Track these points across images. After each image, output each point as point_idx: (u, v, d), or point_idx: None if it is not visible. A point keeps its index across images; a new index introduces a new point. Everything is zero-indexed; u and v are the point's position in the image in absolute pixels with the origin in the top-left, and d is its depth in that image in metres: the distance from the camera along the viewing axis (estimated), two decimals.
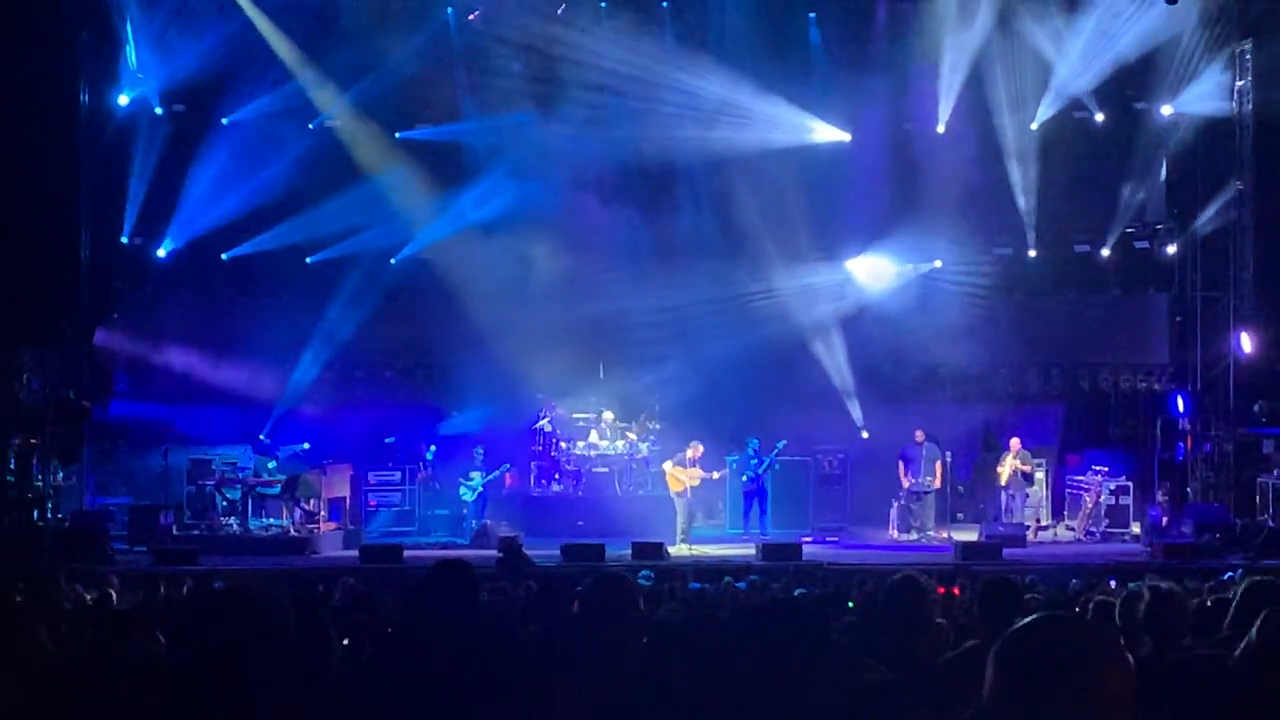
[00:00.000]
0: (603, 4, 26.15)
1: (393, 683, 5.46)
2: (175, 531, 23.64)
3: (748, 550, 22.29)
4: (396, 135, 26.46)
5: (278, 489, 23.96)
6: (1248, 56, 24.83)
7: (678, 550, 22.52)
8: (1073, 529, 24.93)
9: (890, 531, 24.81)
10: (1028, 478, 24.79)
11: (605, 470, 25.56)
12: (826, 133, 26.32)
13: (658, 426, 25.71)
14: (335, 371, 26.49)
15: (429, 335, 26.85)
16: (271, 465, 24.25)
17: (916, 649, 6.53)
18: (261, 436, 24.83)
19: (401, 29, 25.40)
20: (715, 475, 24.40)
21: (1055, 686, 3.03)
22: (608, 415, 25.98)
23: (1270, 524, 22.73)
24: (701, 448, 23.96)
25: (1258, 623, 5.02)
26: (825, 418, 26.30)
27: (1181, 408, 26.29)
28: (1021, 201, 26.61)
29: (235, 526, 24.00)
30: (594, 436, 25.90)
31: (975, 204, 26.69)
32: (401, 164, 26.38)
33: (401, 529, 24.79)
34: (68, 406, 24.03)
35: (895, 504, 24.87)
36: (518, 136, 26.22)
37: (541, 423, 25.68)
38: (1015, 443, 24.74)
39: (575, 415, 26.24)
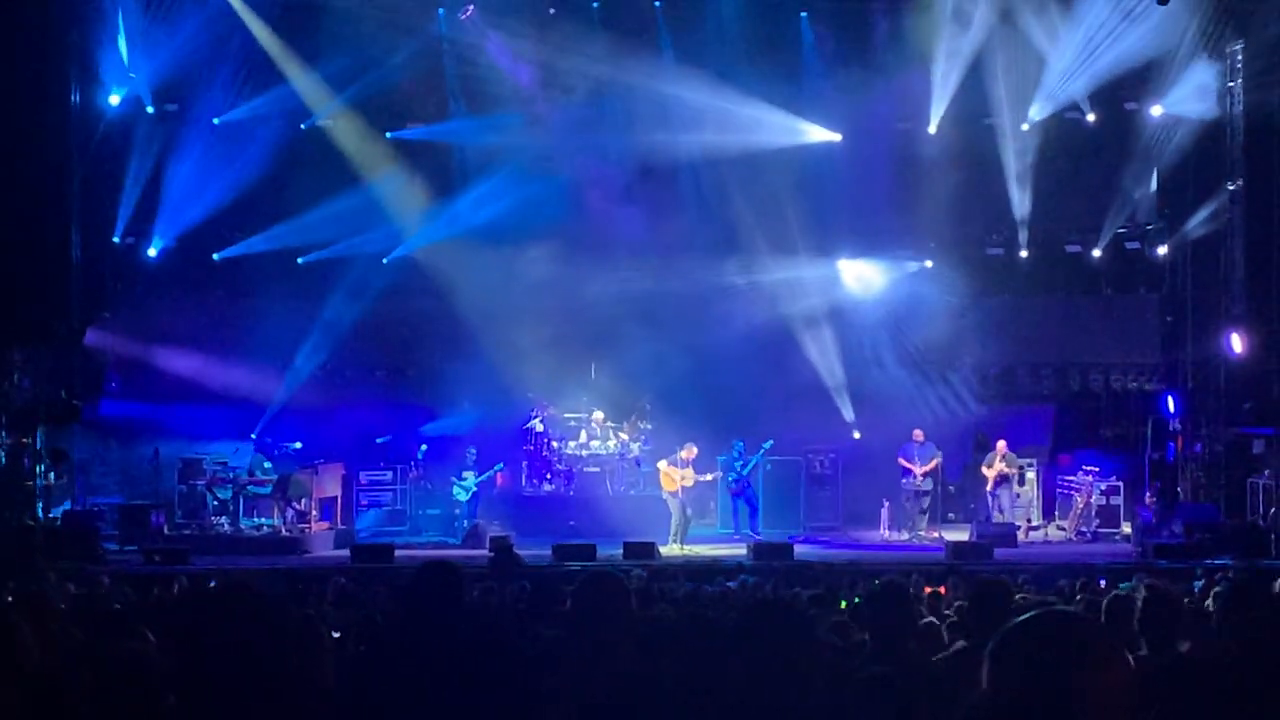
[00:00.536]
0: (595, 4, 26.17)
1: (384, 682, 5.46)
2: (166, 531, 23.59)
3: (739, 550, 22.29)
4: (387, 135, 26.47)
5: (269, 488, 23.93)
6: (1238, 57, 24.85)
7: (669, 550, 22.52)
8: (1064, 529, 24.96)
9: (882, 531, 24.83)
10: (1009, 480, 24.75)
11: (597, 470, 25.56)
12: (818, 133, 26.33)
13: (649, 426, 25.71)
14: (327, 371, 26.48)
15: (421, 335, 26.87)
16: (267, 465, 24.20)
17: (907, 650, 6.53)
18: (253, 436, 24.80)
19: (393, 29, 25.35)
20: (709, 478, 24.41)
21: (1052, 685, 3.01)
22: (598, 415, 25.98)
23: (1261, 524, 22.76)
24: (696, 449, 23.93)
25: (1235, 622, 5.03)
26: (817, 418, 26.31)
27: (1172, 408, 26.33)
28: (1013, 202, 26.65)
29: (226, 526, 23.98)
30: (585, 436, 25.90)
31: (967, 204, 26.73)
32: (393, 165, 26.39)
33: (393, 529, 24.79)
34: (59, 406, 23.99)
35: (886, 504, 24.89)
36: (509, 137, 26.24)
37: (533, 422, 25.67)
38: (1001, 445, 24.75)
39: (566, 415, 26.25)
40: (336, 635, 8.55)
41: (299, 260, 26.34)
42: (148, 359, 26.36)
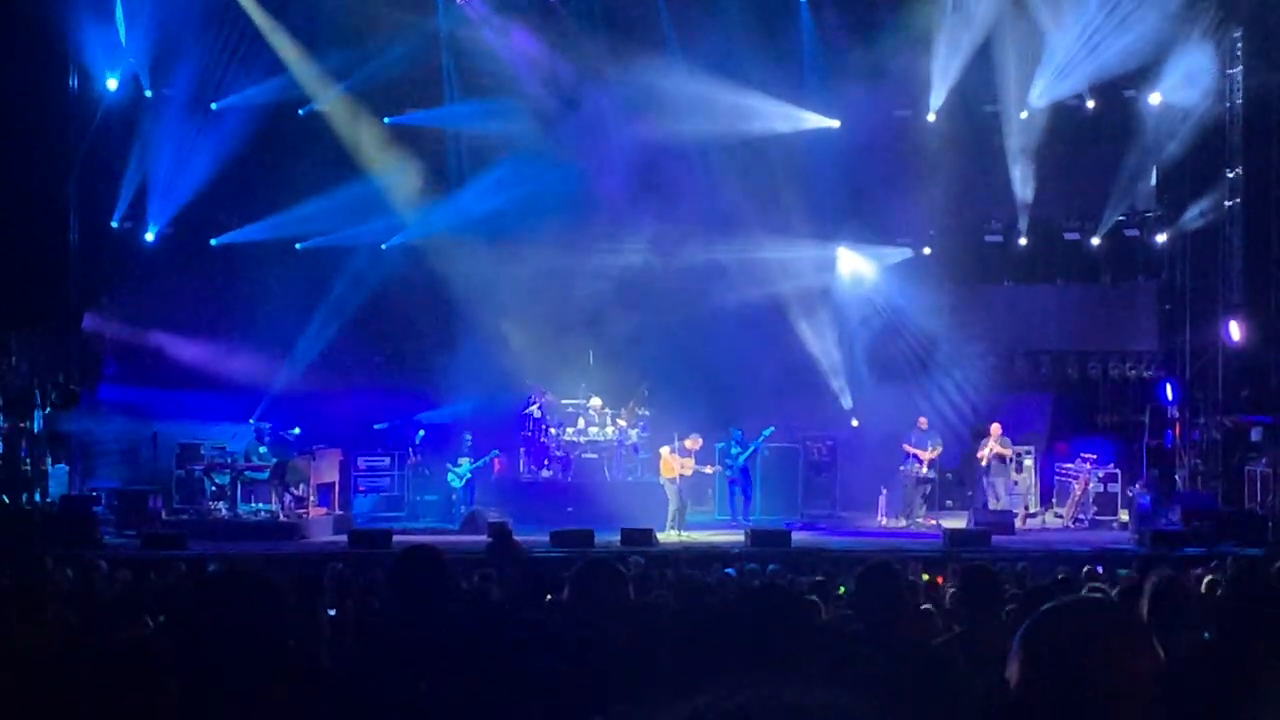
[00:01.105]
0: None
1: (379, 667, 5.46)
2: (164, 516, 23.60)
3: (737, 537, 22.30)
4: (385, 120, 26.43)
5: (267, 474, 23.92)
6: (1238, 46, 24.83)
7: (667, 536, 22.53)
8: (1061, 516, 24.99)
9: (879, 518, 24.86)
10: (1005, 461, 24.78)
11: (594, 456, 25.57)
12: (816, 120, 26.29)
13: (647, 413, 25.71)
14: (325, 357, 26.41)
15: (419, 321, 26.85)
16: (265, 450, 24.15)
17: (904, 634, 6.53)
18: (252, 421, 24.79)
19: (392, 14, 25.30)
20: (708, 470, 24.45)
21: (1085, 672, 2.98)
22: (596, 401, 25.97)
23: (1259, 511, 22.78)
24: (701, 440, 23.94)
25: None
26: (815, 406, 26.35)
27: (1170, 395, 26.35)
28: (1012, 189, 26.62)
29: (224, 511, 23.94)
30: (583, 423, 25.90)
31: (966, 191, 26.72)
32: (391, 152, 26.37)
33: (391, 514, 24.81)
34: (56, 390, 24.00)
35: (884, 491, 24.92)
36: (507, 123, 26.19)
37: (531, 409, 25.65)
38: (995, 428, 24.79)
39: (564, 401, 26.24)
40: (332, 613, 8.57)
41: (297, 246, 26.33)
42: (145, 344, 26.36)
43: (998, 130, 26.40)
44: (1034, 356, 28.15)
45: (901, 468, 24.75)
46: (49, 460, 23.92)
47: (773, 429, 24.58)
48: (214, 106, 26.04)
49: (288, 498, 23.77)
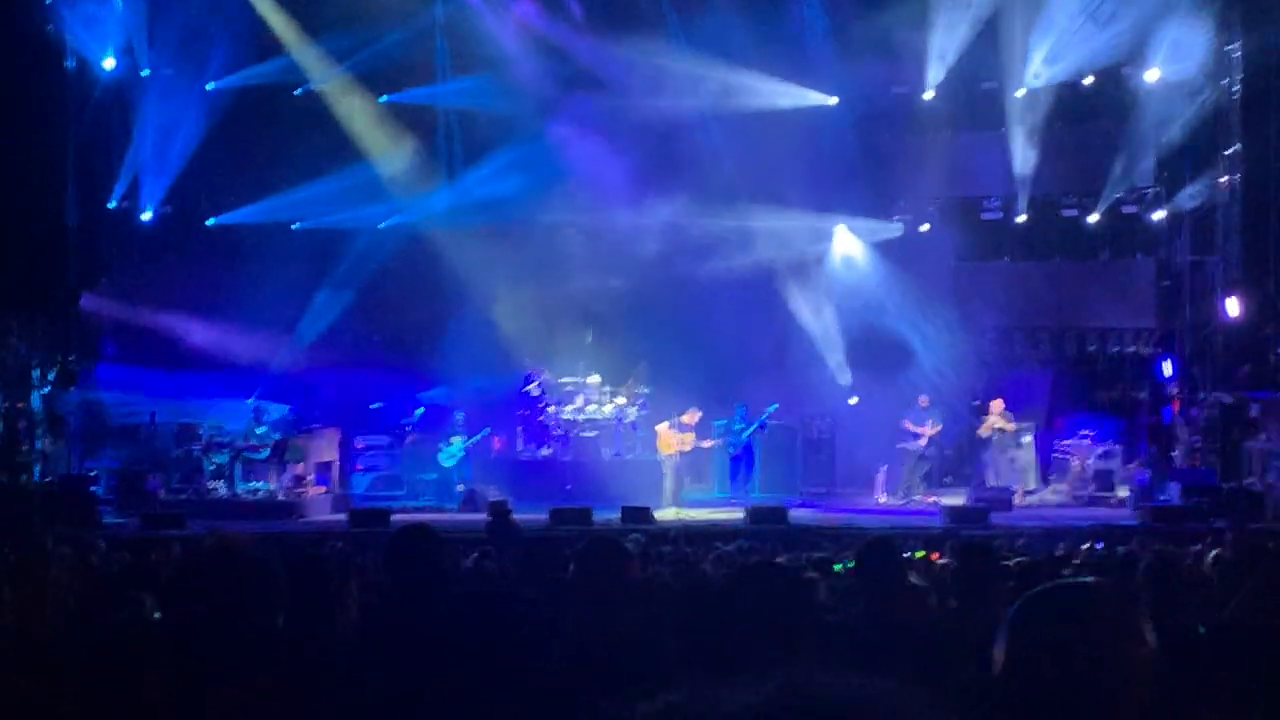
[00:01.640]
0: None
1: (382, 645, 5.47)
2: (163, 495, 23.62)
3: (735, 514, 22.32)
4: (381, 99, 26.37)
5: (265, 453, 23.93)
6: (1237, 22, 24.76)
7: (665, 514, 22.56)
8: (1060, 493, 25.01)
9: (878, 495, 24.89)
10: (1007, 435, 24.80)
11: (593, 434, 25.57)
12: (814, 96, 26.24)
13: (646, 390, 25.71)
14: (324, 336, 26.44)
15: (417, 300, 26.82)
16: (263, 430, 24.15)
17: (901, 610, 6.54)
18: (250, 400, 24.79)
19: None
20: (707, 444, 24.47)
21: (1074, 657, 2.96)
22: (594, 379, 25.97)
23: (1257, 487, 22.80)
24: (699, 414, 23.96)
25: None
26: (813, 383, 26.36)
27: (1169, 372, 26.37)
28: (1011, 166, 26.59)
29: (223, 491, 23.96)
30: (581, 401, 25.90)
31: (964, 168, 26.71)
32: (388, 132, 26.34)
33: (390, 494, 24.83)
34: (55, 370, 24.00)
35: (883, 468, 24.94)
36: (503, 102, 26.14)
37: (529, 387, 25.66)
38: (997, 403, 24.80)
39: (563, 380, 26.24)
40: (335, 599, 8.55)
41: (294, 226, 26.32)
42: (143, 324, 26.35)
43: (996, 107, 26.37)
44: (1032, 333, 28.16)
45: (900, 445, 24.77)
46: (48, 440, 23.92)
47: (776, 405, 24.60)
48: (210, 87, 25.99)
49: (286, 477, 23.79)
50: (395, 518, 21.00)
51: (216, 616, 3.89)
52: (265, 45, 25.78)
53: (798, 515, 21.89)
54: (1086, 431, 25.18)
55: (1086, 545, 15.41)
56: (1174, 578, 7.01)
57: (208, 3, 25.34)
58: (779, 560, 11.99)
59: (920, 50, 26.08)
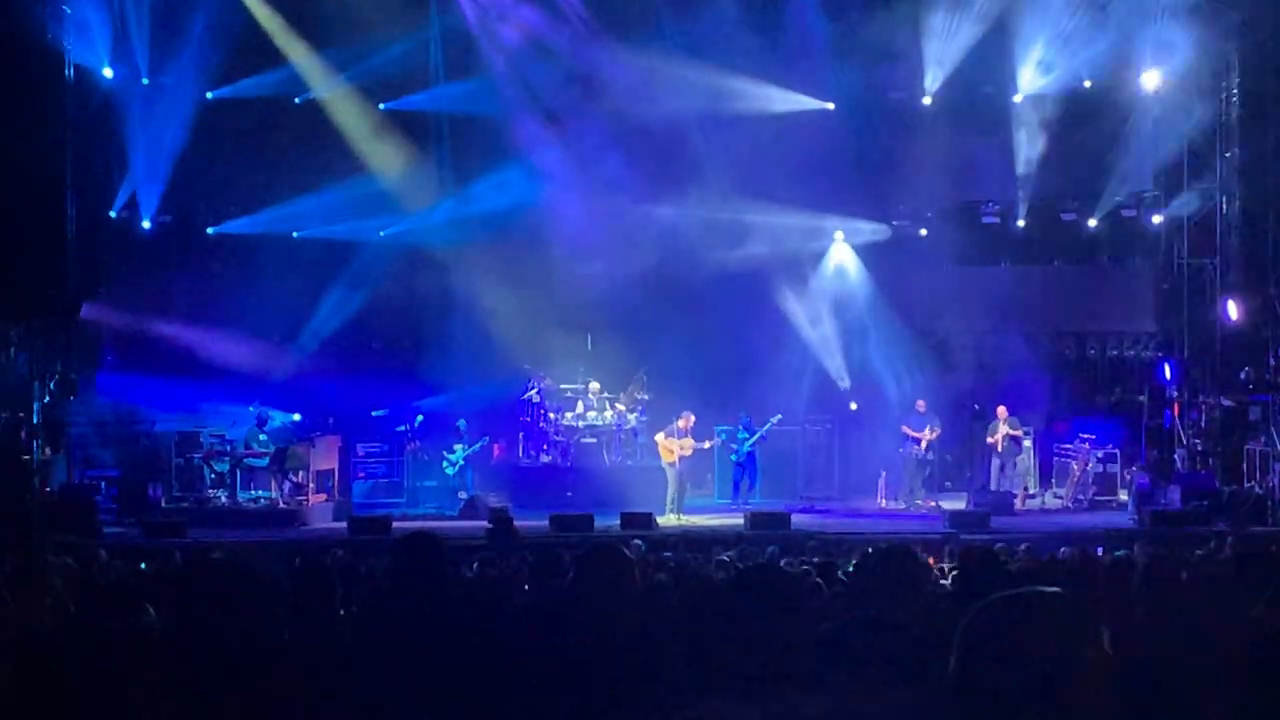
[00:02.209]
0: None
1: (381, 653, 5.47)
2: (163, 504, 23.61)
3: (736, 520, 22.31)
4: (380, 107, 26.37)
5: (266, 461, 23.92)
6: (1236, 25, 24.74)
7: (666, 520, 22.56)
8: (1060, 497, 25.01)
9: (879, 500, 24.90)
10: (1017, 442, 24.85)
11: (593, 441, 25.57)
12: (811, 102, 26.21)
13: (646, 397, 25.70)
14: (324, 344, 26.42)
15: (418, 307, 26.84)
16: (264, 438, 24.12)
17: (910, 612, 6.53)
18: (251, 408, 24.75)
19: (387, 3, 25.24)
20: (707, 445, 24.46)
21: (1021, 665, 2.97)
22: (594, 386, 25.97)
23: (1257, 490, 22.80)
24: (693, 418, 23.94)
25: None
26: (813, 389, 26.36)
27: (1169, 375, 26.36)
28: (1010, 170, 26.59)
29: (224, 499, 23.96)
30: (581, 407, 25.89)
31: (963, 172, 26.68)
32: (387, 140, 26.34)
33: (390, 501, 24.81)
34: (55, 380, 23.98)
35: (884, 473, 24.95)
36: (500, 107, 26.13)
37: (529, 394, 25.66)
38: (1002, 410, 24.79)
39: (563, 386, 26.25)
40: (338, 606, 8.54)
41: (295, 234, 26.33)
42: (144, 332, 26.32)
43: (995, 111, 26.36)
44: (1032, 337, 28.11)
45: (900, 450, 24.77)
46: (48, 450, 23.89)
47: (780, 416, 24.63)
48: (210, 96, 25.98)
49: (287, 485, 23.77)
50: (396, 525, 20.99)
51: (219, 626, 3.90)
52: (264, 54, 25.75)
53: (799, 520, 21.88)
54: (1087, 435, 25.18)
55: (1082, 549, 15.40)
56: (1174, 581, 7.01)
57: (207, 12, 25.30)
58: (774, 563, 12.00)
59: (918, 55, 26.07)
